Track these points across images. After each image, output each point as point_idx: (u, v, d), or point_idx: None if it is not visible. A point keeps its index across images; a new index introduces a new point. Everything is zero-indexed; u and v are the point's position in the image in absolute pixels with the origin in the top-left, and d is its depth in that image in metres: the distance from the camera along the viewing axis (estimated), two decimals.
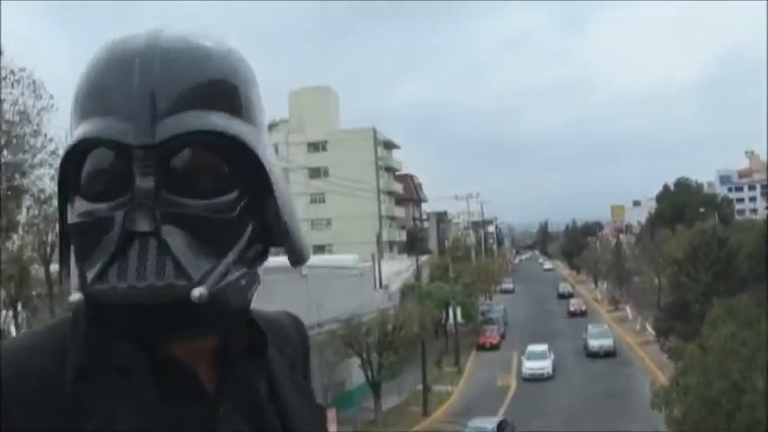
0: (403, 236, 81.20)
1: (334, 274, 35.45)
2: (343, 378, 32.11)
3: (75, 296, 0.81)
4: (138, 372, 0.85)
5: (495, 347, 49.00)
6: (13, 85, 21.20)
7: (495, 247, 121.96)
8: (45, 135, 23.64)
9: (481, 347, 48.98)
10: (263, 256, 0.93)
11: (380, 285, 44.47)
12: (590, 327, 49.25)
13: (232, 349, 0.94)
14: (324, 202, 76.62)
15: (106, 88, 0.84)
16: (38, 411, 0.81)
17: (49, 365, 0.84)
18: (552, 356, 42.56)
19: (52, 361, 0.84)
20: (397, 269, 50.64)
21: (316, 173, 76.86)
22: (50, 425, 0.81)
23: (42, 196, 20.58)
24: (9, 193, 21.03)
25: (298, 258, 0.94)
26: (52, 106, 22.72)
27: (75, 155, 0.86)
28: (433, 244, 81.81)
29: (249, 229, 0.87)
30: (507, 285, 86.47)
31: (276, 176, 0.89)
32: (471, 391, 37.95)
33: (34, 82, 21.08)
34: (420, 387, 33.67)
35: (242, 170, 0.86)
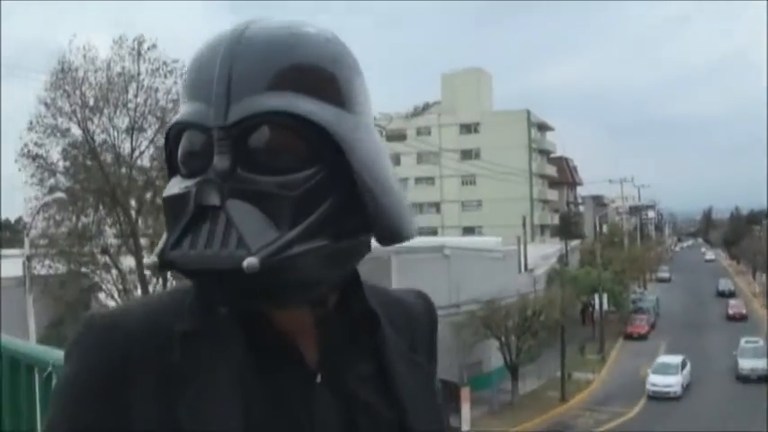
0: (556, 219, 79.95)
1: (476, 255, 35.54)
2: (481, 359, 32.26)
3: (150, 260, 1.04)
4: (236, 339, 0.91)
5: (642, 337, 47.37)
6: (166, 75, 22.99)
7: (653, 233, 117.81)
8: None
9: (628, 337, 47.57)
10: (363, 231, 0.94)
11: (525, 269, 44.23)
12: (743, 342, 39.76)
13: (333, 322, 0.98)
14: (474, 183, 76.50)
15: (198, 75, 0.91)
16: (149, 374, 0.89)
17: (164, 330, 0.91)
18: (686, 371, 35.69)
19: (168, 326, 0.92)
20: (545, 253, 50.04)
21: (467, 155, 76.86)
22: (156, 388, 0.88)
23: None
24: (163, 174, 22.73)
25: (387, 237, 0.94)
26: None
27: (172, 137, 0.94)
28: (588, 228, 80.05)
29: (326, 204, 0.88)
30: (663, 274, 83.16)
31: (361, 157, 0.90)
32: (613, 380, 37.11)
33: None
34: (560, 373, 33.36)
35: (322, 150, 0.89)
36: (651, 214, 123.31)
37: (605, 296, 45.93)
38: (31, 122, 22.53)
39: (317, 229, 0.87)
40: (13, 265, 20.11)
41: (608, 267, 49.57)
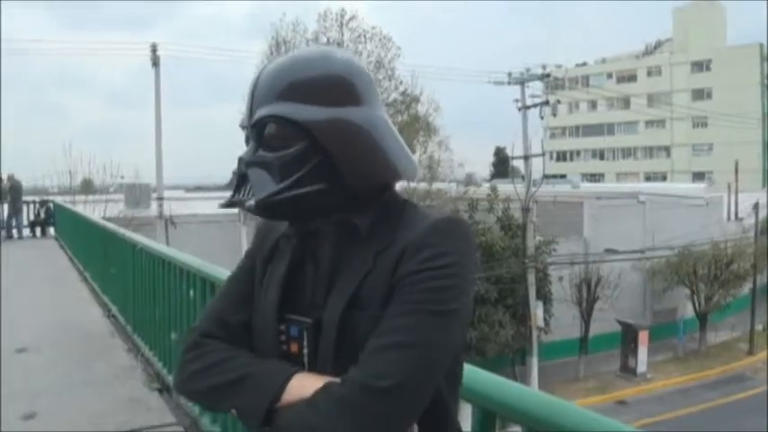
0: None
1: (675, 202, 35.09)
2: (677, 306, 32.03)
3: (220, 204, 1.48)
4: (291, 239, 1.52)
5: None
6: (366, 41, 26.75)
7: None
8: (396, 78, 29.02)
9: None
10: (344, 178, 1.41)
11: (736, 217, 42.65)
12: None
13: (320, 230, 1.48)
14: (706, 126, 73.10)
15: (248, 91, 1.48)
16: (263, 246, 1.60)
17: (279, 230, 1.56)
18: None
19: (280, 229, 1.56)
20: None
21: (698, 95, 73.49)
22: (266, 257, 1.57)
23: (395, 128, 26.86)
24: None
25: (355, 182, 1.42)
26: (399, 56, 27.91)
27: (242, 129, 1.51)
28: None
29: (310, 165, 1.39)
30: None
31: (327, 136, 1.39)
32: None
33: (384, 36, 26.26)
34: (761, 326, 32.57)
35: (303, 134, 1.39)
36: None
37: None
38: None
39: (307, 180, 1.39)
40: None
41: None
